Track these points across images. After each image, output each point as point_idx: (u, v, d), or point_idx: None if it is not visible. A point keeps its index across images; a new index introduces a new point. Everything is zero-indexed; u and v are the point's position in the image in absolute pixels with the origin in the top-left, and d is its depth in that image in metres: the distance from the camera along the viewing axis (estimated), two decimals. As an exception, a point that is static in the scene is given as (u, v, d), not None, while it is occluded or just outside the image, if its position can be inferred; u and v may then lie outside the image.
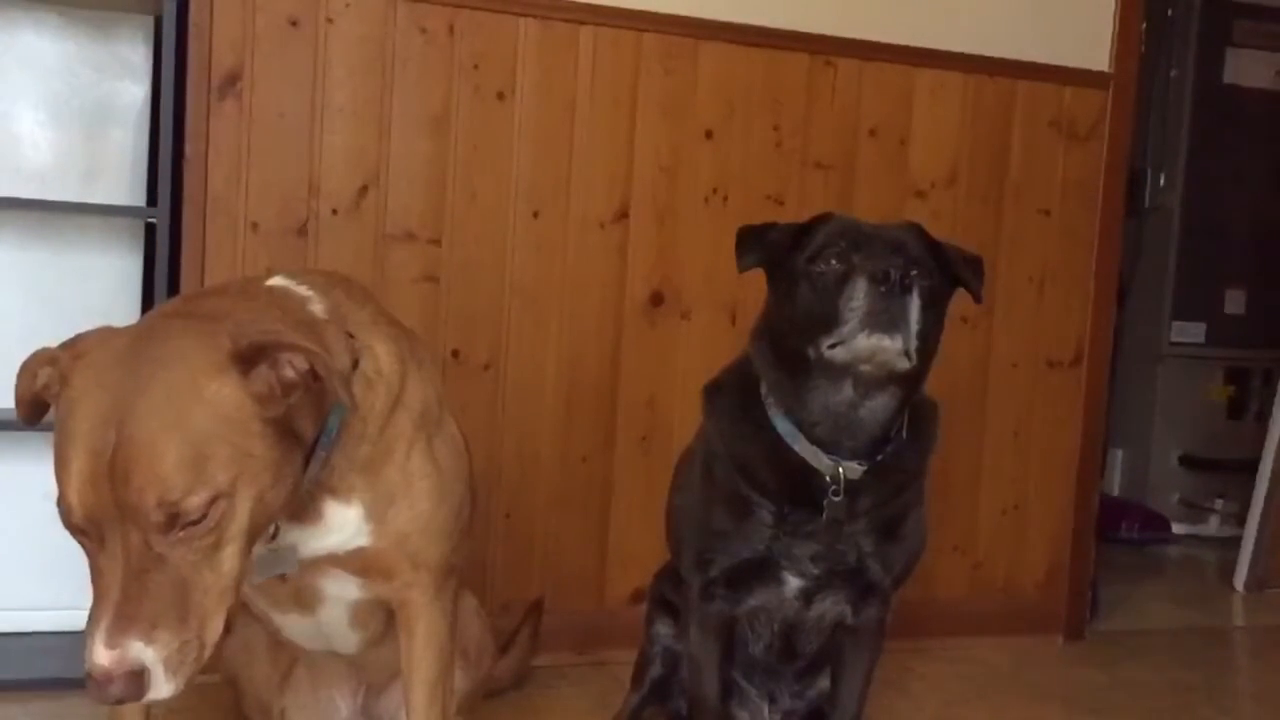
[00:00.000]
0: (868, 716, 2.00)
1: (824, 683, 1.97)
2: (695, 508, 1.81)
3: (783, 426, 1.67)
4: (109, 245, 2.39)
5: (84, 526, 1.08)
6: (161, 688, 1.06)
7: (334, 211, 2.30)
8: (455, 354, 2.38)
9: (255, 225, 2.26)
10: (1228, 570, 3.68)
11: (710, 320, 2.54)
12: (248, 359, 1.11)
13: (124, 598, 1.05)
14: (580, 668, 2.44)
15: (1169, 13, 4.33)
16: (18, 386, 1.18)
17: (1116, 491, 4.55)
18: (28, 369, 1.17)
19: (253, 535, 1.15)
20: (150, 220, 2.33)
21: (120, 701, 1.05)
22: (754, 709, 1.98)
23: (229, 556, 1.12)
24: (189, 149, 2.20)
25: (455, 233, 2.37)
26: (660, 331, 2.52)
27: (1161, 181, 4.40)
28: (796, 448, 1.66)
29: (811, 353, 1.60)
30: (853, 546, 1.71)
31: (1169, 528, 4.32)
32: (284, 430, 1.16)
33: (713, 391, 1.82)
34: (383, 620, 1.57)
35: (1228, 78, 4.38)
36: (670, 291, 2.52)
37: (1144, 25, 2.94)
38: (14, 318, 2.32)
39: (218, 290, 1.31)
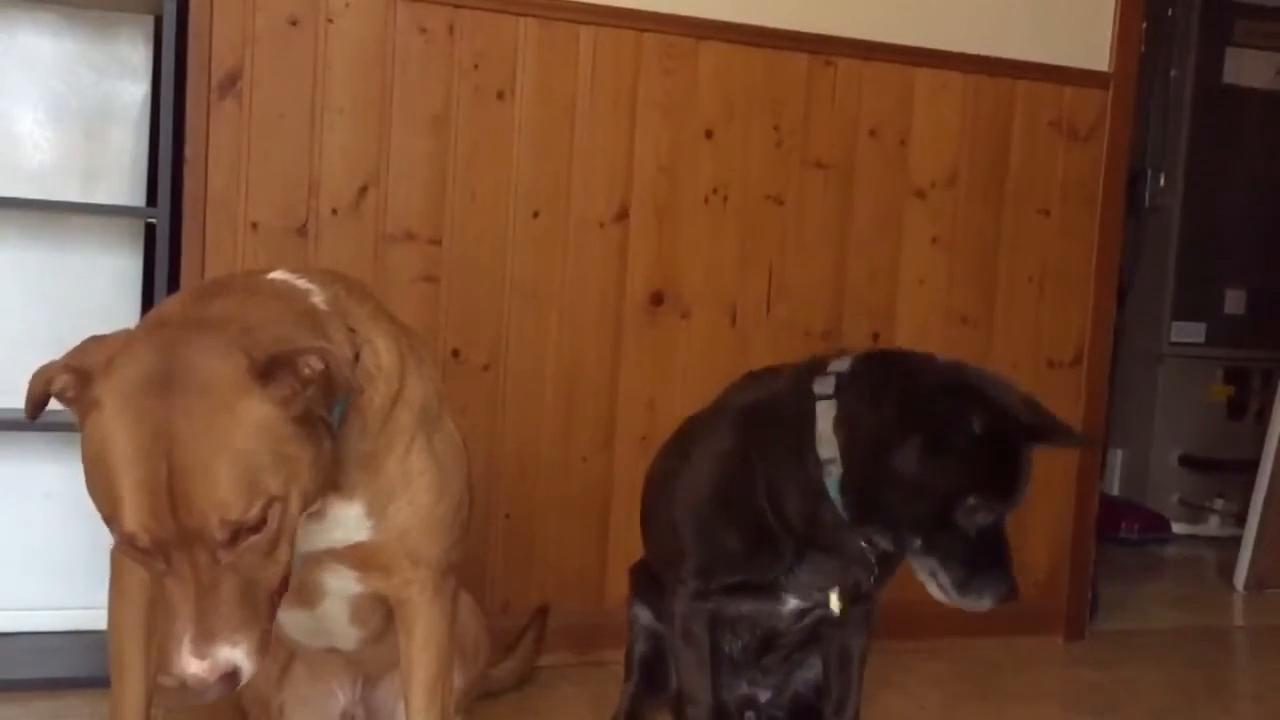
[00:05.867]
0: (865, 716, 2.00)
1: (801, 672, 1.98)
2: (704, 521, 1.77)
3: (836, 493, 1.61)
4: (109, 245, 2.39)
5: (150, 552, 1.12)
6: (248, 672, 1.14)
7: (334, 211, 2.30)
8: (455, 354, 2.38)
9: (255, 225, 2.26)
10: (1228, 570, 3.68)
11: (710, 320, 2.54)
12: (268, 373, 1.14)
13: (200, 611, 1.11)
14: (580, 668, 2.44)
15: (1169, 13, 4.33)
16: (32, 388, 1.19)
17: (1116, 491, 4.55)
18: (42, 376, 1.18)
19: (299, 522, 1.21)
20: (150, 220, 2.34)
21: (219, 698, 1.14)
22: (732, 691, 1.99)
23: (284, 548, 1.18)
24: (189, 149, 2.20)
25: (455, 232, 2.37)
26: (660, 331, 2.52)
27: (1161, 181, 4.40)
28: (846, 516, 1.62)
29: None
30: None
31: (1169, 528, 4.32)
32: (307, 422, 1.19)
33: (753, 416, 1.74)
34: (382, 618, 1.57)
35: (1228, 78, 4.38)
36: (670, 291, 2.52)
37: (1144, 25, 2.94)
38: (14, 318, 2.32)
39: (222, 286, 1.31)
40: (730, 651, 1.91)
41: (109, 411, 1.12)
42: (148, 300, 2.29)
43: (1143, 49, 2.97)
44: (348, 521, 1.38)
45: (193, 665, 1.11)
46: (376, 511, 1.39)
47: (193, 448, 1.10)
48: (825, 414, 1.60)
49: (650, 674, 2.05)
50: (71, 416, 1.19)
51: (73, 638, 2.30)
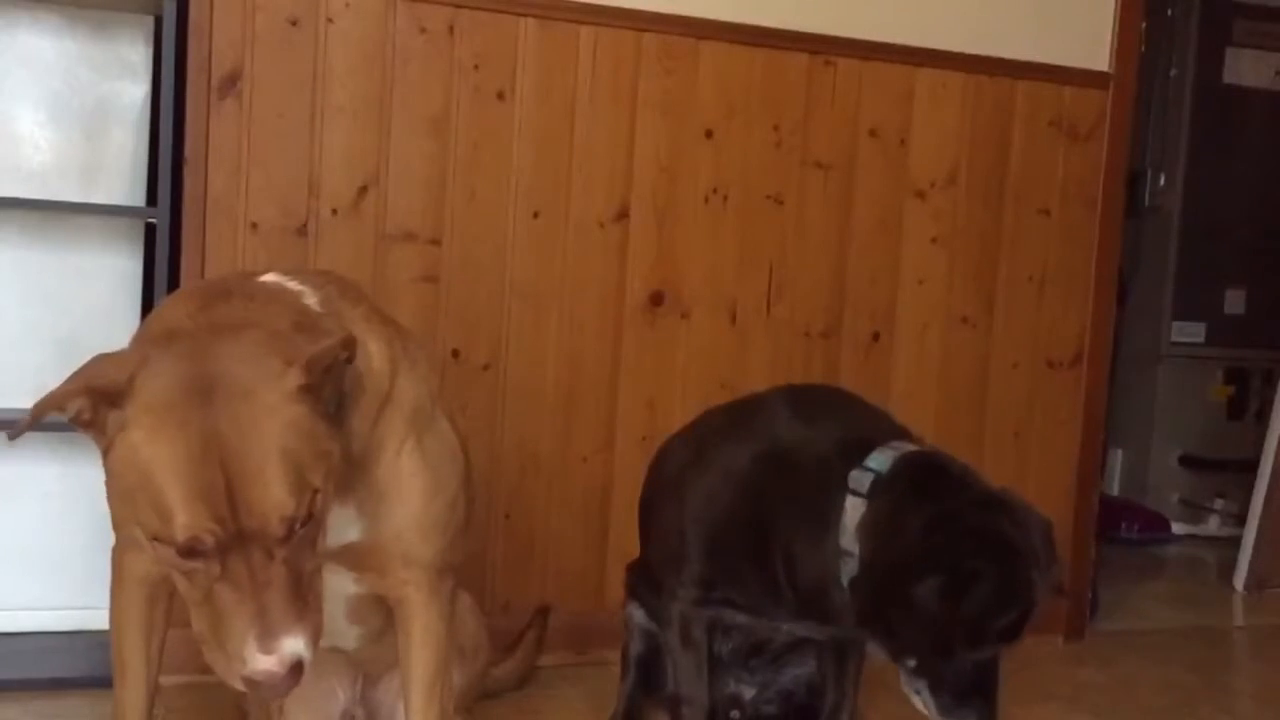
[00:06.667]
0: (862, 715, 2.00)
1: (790, 669, 1.99)
2: (714, 539, 1.76)
3: (847, 586, 1.61)
4: (109, 245, 2.39)
5: (207, 557, 1.14)
6: (308, 662, 1.17)
7: (334, 211, 2.30)
8: (455, 354, 2.38)
9: (255, 225, 2.26)
10: (1228, 570, 3.67)
11: (710, 320, 2.54)
12: (306, 372, 1.17)
13: (262, 608, 1.14)
14: (580, 668, 2.44)
15: (1169, 13, 4.33)
16: (37, 412, 1.17)
17: (1116, 491, 4.55)
18: (51, 402, 1.16)
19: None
20: (150, 220, 2.34)
21: (289, 692, 1.16)
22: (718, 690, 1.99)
23: (321, 538, 1.22)
24: (189, 149, 2.20)
25: (455, 233, 2.37)
26: (660, 331, 2.52)
27: (1161, 181, 4.40)
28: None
29: None
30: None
31: (1169, 528, 4.32)
32: (328, 415, 1.23)
33: (785, 468, 1.71)
34: (381, 617, 1.57)
35: (1228, 78, 4.38)
36: (670, 291, 2.52)
37: (1144, 25, 2.94)
38: (14, 318, 2.32)
39: (221, 292, 1.31)
40: (720, 652, 1.91)
41: (147, 427, 1.12)
42: (148, 300, 2.29)
43: (1143, 49, 2.96)
44: (340, 522, 1.38)
45: (262, 662, 1.13)
46: (367, 513, 1.39)
47: (247, 452, 1.12)
48: (854, 509, 1.61)
49: (647, 673, 2.05)
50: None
51: (73, 638, 2.30)
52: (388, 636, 1.58)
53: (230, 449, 1.12)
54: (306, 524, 1.16)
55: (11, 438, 1.19)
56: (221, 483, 1.11)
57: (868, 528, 1.58)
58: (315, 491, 1.17)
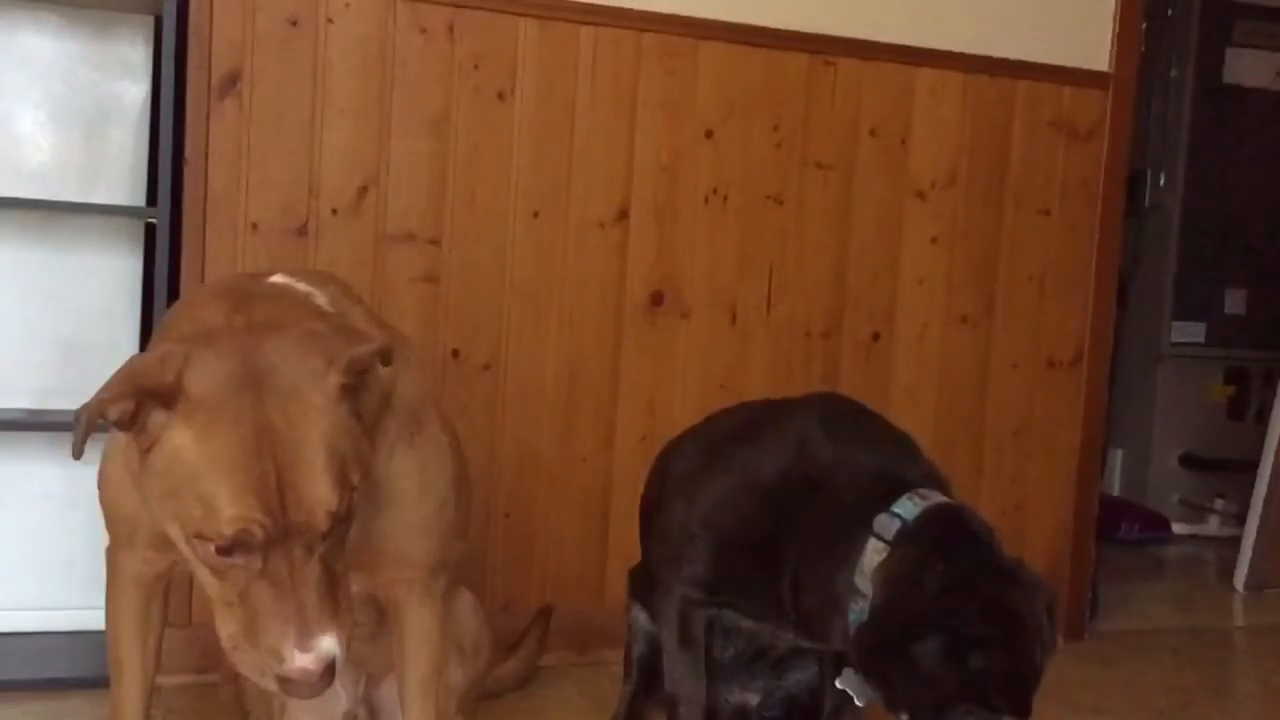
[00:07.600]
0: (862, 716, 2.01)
1: (793, 672, 1.99)
2: (722, 544, 1.75)
3: (855, 625, 1.62)
4: (109, 245, 2.38)
5: (251, 551, 1.14)
6: (341, 661, 1.17)
7: (334, 211, 2.30)
8: (455, 354, 2.38)
9: (255, 225, 2.26)
10: (1228, 570, 3.68)
11: (710, 320, 2.54)
12: (349, 371, 1.19)
13: (300, 605, 1.15)
14: (580, 668, 2.44)
15: (1169, 13, 4.33)
16: (89, 421, 1.16)
17: (1116, 491, 4.55)
18: (96, 409, 1.15)
19: None
20: (150, 220, 2.34)
21: (323, 691, 1.16)
22: (723, 698, 1.99)
23: (350, 532, 1.22)
24: (189, 149, 2.21)
25: (455, 233, 2.37)
26: (660, 331, 2.52)
27: (1161, 181, 4.40)
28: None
29: None
30: None
31: (1169, 528, 4.32)
32: (361, 415, 1.25)
33: (810, 493, 1.70)
34: (376, 617, 1.57)
35: (1228, 78, 4.38)
36: (670, 291, 2.52)
37: (1144, 25, 2.94)
38: (14, 318, 2.32)
39: (244, 293, 1.31)
40: (722, 657, 1.91)
41: (200, 424, 1.13)
42: (148, 300, 2.29)
43: (1143, 49, 2.97)
44: None
45: (300, 660, 1.13)
46: (356, 513, 1.39)
47: (298, 447, 1.14)
48: (874, 552, 1.61)
49: (649, 675, 2.05)
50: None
51: (73, 638, 2.30)
52: (385, 636, 1.58)
53: (282, 444, 1.13)
54: (343, 521, 1.17)
55: (76, 455, 1.18)
56: (273, 477, 1.12)
57: (884, 575, 1.59)
58: (353, 489, 1.18)
